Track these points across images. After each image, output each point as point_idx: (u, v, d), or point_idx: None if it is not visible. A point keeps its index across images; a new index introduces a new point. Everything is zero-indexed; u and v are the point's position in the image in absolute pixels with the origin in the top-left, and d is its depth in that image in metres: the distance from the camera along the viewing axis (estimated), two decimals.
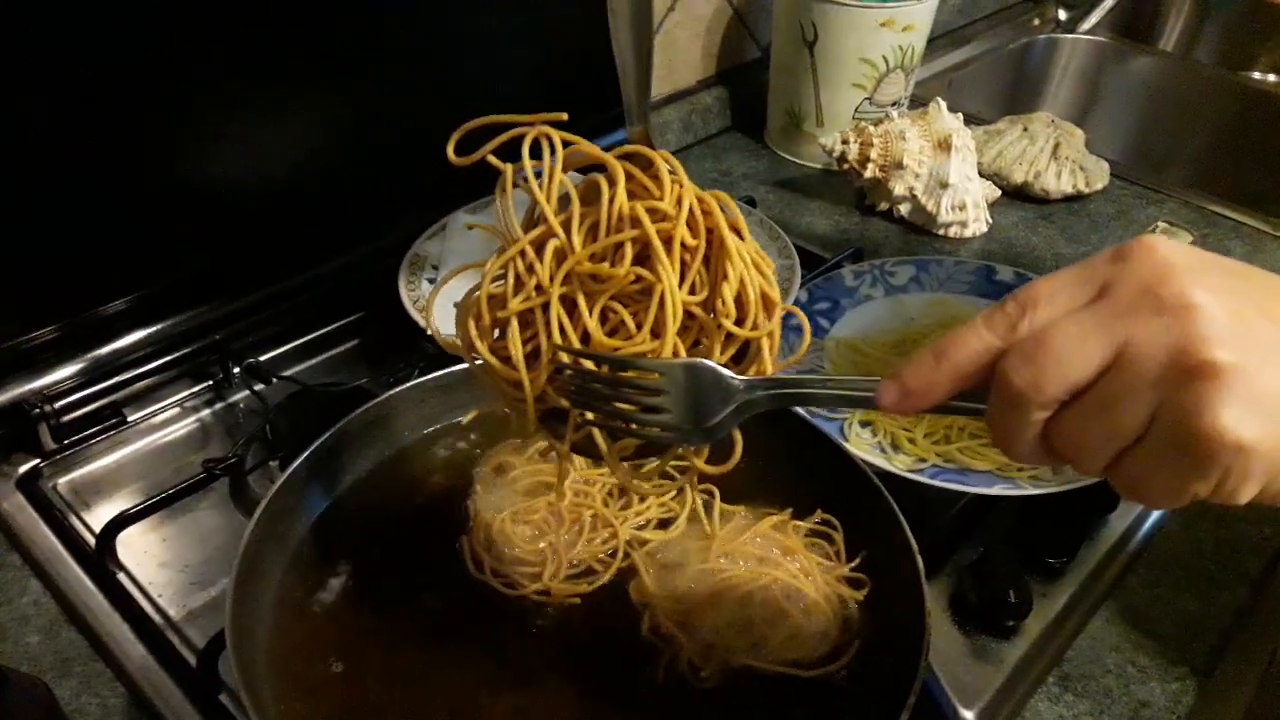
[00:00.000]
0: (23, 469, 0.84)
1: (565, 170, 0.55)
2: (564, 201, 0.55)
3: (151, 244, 0.90)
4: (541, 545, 0.69)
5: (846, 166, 1.25)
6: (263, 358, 0.94)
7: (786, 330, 0.94)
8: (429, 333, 0.89)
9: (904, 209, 1.24)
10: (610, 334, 0.54)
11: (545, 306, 0.54)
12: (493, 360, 0.56)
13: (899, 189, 1.22)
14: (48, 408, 0.84)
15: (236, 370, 0.92)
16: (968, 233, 1.23)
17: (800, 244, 1.08)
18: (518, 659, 0.64)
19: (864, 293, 1.01)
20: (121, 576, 0.77)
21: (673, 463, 0.68)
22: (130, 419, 0.89)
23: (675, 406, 0.51)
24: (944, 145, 1.21)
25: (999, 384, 0.40)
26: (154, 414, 0.91)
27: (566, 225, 0.54)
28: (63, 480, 0.85)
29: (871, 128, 1.23)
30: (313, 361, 0.98)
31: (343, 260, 1.01)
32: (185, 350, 0.92)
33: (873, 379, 0.46)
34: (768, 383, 0.50)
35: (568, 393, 0.54)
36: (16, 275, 0.82)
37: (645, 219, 0.52)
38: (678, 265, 0.53)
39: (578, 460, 0.76)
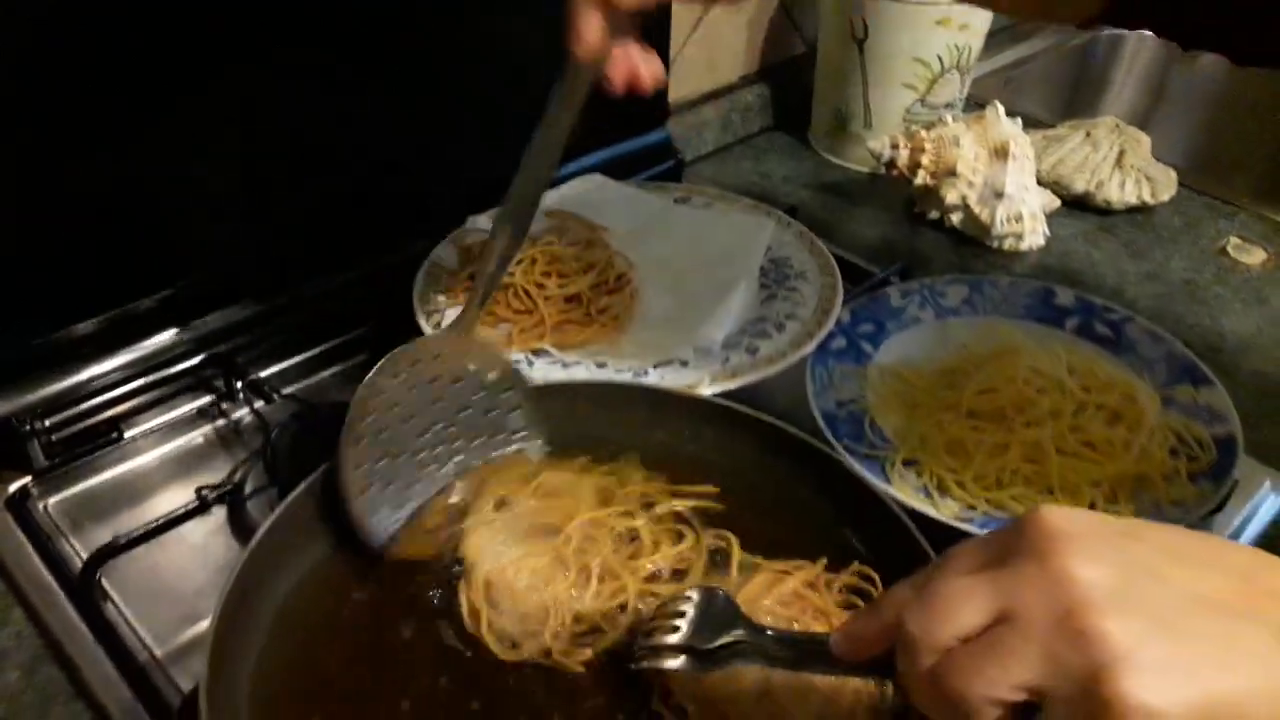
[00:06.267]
0: (12, 488, 0.80)
1: None
2: None
3: (151, 253, 0.85)
4: (544, 598, 0.63)
5: (895, 172, 1.18)
6: (266, 372, 0.89)
7: (826, 355, 0.88)
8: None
9: (956, 219, 1.17)
10: None
11: None
12: None
13: (951, 197, 1.15)
14: (38, 424, 0.80)
15: (239, 385, 0.87)
16: (1023, 246, 1.16)
17: (844, 255, 1.02)
18: None
19: (911, 314, 0.94)
20: (109, 608, 0.73)
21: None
22: (127, 435, 0.85)
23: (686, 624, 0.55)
24: (1000, 152, 1.13)
25: (898, 630, 0.43)
26: (152, 431, 0.86)
27: None
28: (53, 500, 0.81)
29: (923, 131, 1.15)
30: (320, 376, 0.93)
31: (354, 271, 0.95)
32: (186, 364, 0.87)
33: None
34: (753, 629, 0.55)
35: None
36: (6, 285, 0.78)
37: None
38: None
39: (587, 498, 0.70)
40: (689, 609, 0.56)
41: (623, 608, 0.64)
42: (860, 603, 0.65)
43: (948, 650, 0.41)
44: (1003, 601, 0.40)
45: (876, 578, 0.66)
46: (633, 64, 0.71)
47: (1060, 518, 0.41)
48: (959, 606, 0.41)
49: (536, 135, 0.68)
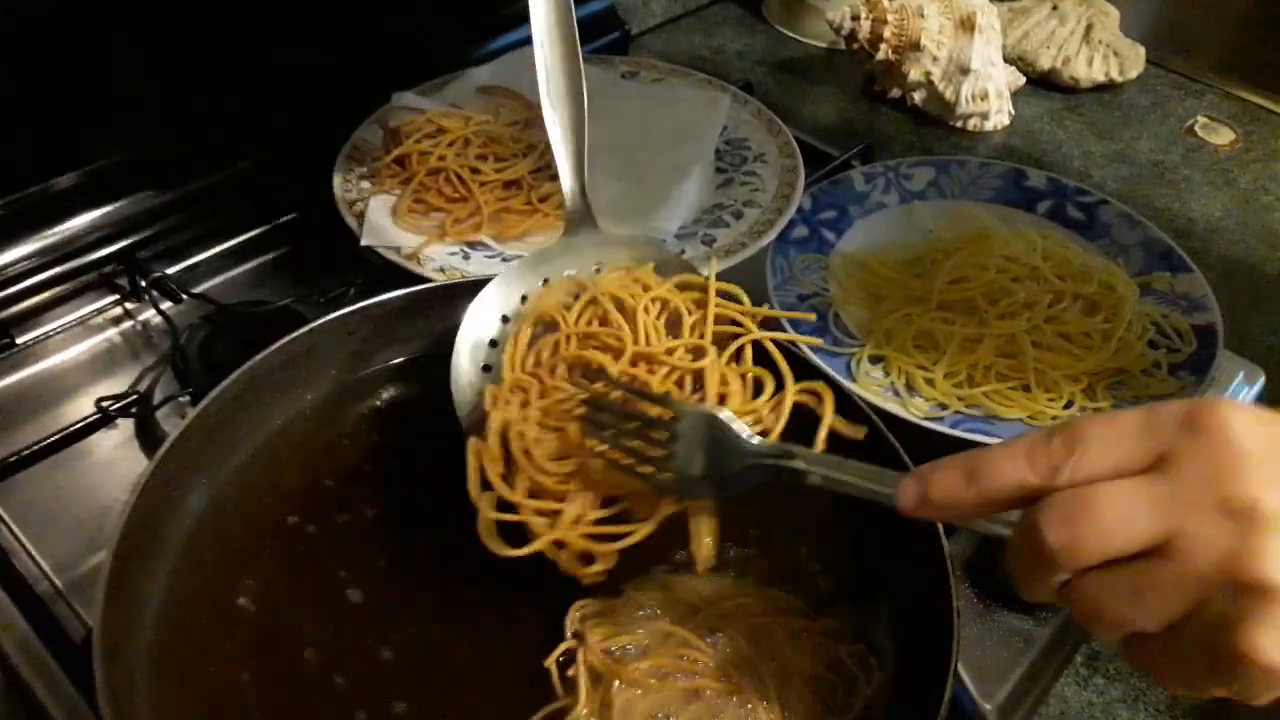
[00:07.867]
0: None
1: None
2: None
3: (46, 132, 0.76)
4: (571, 468, 0.51)
5: (856, 46, 1.10)
6: (174, 269, 0.81)
7: (786, 245, 0.82)
8: (363, 242, 0.77)
9: (918, 97, 1.10)
10: None
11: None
12: None
13: (914, 74, 1.08)
14: None
15: (144, 283, 0.79)
16: (988, 125, 1.10)
17: (801, 136, 0.95)
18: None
19: (876, 199, 0.88)
20: (3, 533, 0.66)
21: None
22: (20, 341, 0.77)
23: (684, 451, 0.48)
24: (967, 25, 1.06)
25: (1030, 534, 0.37)
26: (48, 335, 0.78)
27: None
28: None
29: (886, 2, 1.08)
30: (233, 273, 0.84)
31: (270, 153, 0.87)
32: (85, 259, 0.79)
33: (895, 474, 0.42)
34: (779, 451, 0.47)
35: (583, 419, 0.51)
36: None
37: None
38: None
39: (648, 321, 0.57)
40: (677, 433, 0.48)
41: None
42: None
43: (1087, 570, 0.36)
44: (1167, 528, 0.35)
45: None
46: None
47: (1245, 429, 0.35)
48: (1114, 527, 0.35)
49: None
